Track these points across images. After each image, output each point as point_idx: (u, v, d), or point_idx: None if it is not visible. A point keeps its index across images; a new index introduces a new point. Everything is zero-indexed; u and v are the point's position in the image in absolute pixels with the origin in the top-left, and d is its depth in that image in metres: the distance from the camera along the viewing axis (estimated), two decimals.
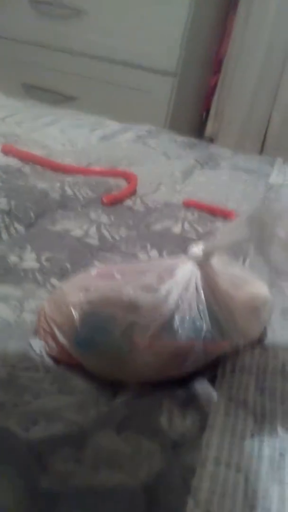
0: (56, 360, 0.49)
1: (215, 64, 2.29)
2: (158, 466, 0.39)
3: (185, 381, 0.48)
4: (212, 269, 0.51)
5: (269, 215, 0.40)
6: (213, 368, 0.50)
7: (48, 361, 0.48)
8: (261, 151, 2.20)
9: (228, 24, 2.23)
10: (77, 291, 0.50)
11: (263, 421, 0.44)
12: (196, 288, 0.49)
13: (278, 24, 2.11)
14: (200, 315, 0.48)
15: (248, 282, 0.54)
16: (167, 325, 0.47)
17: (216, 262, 0.54)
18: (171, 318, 0.47)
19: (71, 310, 0.48)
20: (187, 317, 0.47)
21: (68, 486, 0.36)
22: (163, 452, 0.40)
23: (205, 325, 0.48)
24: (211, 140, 2.20)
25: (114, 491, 0.36)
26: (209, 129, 2.31)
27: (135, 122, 1.48)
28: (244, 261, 0.73)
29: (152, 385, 0.47)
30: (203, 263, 0.50)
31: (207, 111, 2.35)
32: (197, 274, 0.50)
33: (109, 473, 0.37)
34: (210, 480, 0.37)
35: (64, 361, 0.49)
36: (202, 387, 0.47)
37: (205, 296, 0.49)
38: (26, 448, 0.39)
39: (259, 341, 0.55)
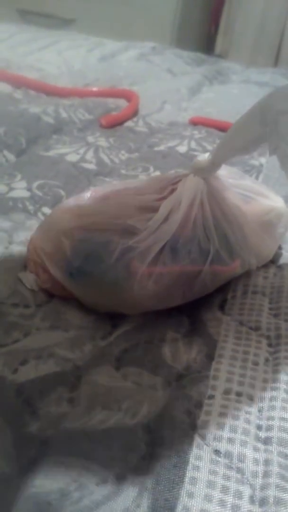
0: (49, 294, 0.44)
1: None
2: (161, 402, 0.35)
3: (191, 307, 0.43)
4: (220, 182, 0.45)
5: (285, 102, 0.33)
6: (223, 291, 0.45)
7: (40, 295, 0.44)
8: (275, 66, 2.06)
9: None
10: (68, 216, 0.45)
11: (278, 344, 0.39)
12: (202, 205, 0.43)
13: None
14: (207, 235, 0.43)
15: (260, 195, 0.48)
16: (169, 248, 0.41)
17: (224, 174, 0.48)
18: (174, 240, 0.42)
19: (61, 237, 0.43)
20: (192, 238, 0.42)
21: (60, 430, 0.32)
22: (166, 386, 0.36)
23: (212, 246, 0.42)
24: (221, 57, 2.06)
25: (111, 432, 0.32)
26: (219, 45, 2.16)
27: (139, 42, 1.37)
28: (258, 175, 0.67)
29: (154, 314, 0.42)
30: (209, 176, 0.44)
31: (216, 26, 2.19)
32: (202, 188, 0.44)
33: (106, 414, 0.33)
34: (219, 413, 0.33)
35: (58, 294, 0.44)
36: (210, 313, 0.42)
37: (212, 213, 0.43)
38: (14, 391, 0.35)
39: (274, 260, 0.49)
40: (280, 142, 0.32)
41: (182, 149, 0.75)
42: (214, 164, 0.42)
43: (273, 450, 0.31)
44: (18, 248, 0.48)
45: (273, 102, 0.33)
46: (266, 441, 0.32)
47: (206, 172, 0.43)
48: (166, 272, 0.41)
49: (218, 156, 0.41)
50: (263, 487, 0.29)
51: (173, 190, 0.44)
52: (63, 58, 1.17)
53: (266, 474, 0.30)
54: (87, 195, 0.47)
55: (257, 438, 0.32)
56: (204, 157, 0.43)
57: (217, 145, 0.41)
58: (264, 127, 0.34)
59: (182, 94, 1.02)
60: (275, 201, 0.48)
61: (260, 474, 0.30)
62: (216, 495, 0.29)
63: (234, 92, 1.07)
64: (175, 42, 1.86)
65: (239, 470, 0.30)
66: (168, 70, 1.17)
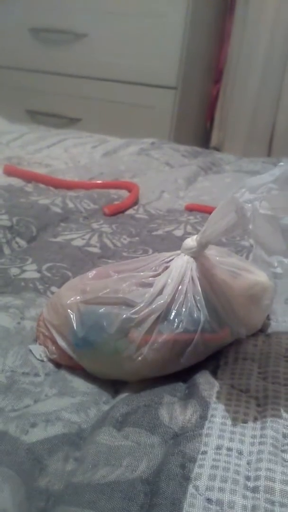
0: (57, 364, 0.49)
1: (216, 73, 2.31)
2: (158, 458, 0.38)
3: (186, 373, 0.47)
4: (208, 260, 0.51)
5: (248, 191, 0.39)
6: (216, 358, 0.49)
7: (49, 365, 0.48)
8: (269, 156, 2.19)
9: (226, 31, 2.25)
10: (74, 292, 0.50)
11: (266, 403, 0.43)
12: (192, 280, 0.49)
13: (277, 26, 2.12)
14: (197, 306, 0.47)
15: (246, 270, 0.53)
16: (164, 318, 0.46)
17: (213, 253, 0.53)
18: (167, 311, 0.47)
19: (67, 311, 0.48)
20: (184, 309, 0.47)
21: (67, 484, 0.36)
22: (163, 444, 0.39)
23: (202, 316, 0.47)
24: (217, 150, 2.20)
25: (112, 485, 0.35)
26: (215, 139, 2.32)
27: (140, 138, 1.50)
28: (248, 254, 0.73)
29: (153, 380, 0.46)
30: (198, 255, 0.50)
31: (211, 121, 2.36)
32: (192, 265, 0.49)
33: (109, 469, 0.37)
34: (210, 467, 0.36)
35: (65, 364, 0.49)
36: (204, 378, 0.46)
37: (201, 287, 0.48)
38: (25, 450, 0.38)
39: (263, 329, 0.54)
40: (248, 226, 0.38)
41: (179, 232, 0.82)
42: (201, 245, 0.48)
43: (260, 497, 0.34)
44: (29, 323, 0.53)
45: (241, 193, 0.40)
46: (254, 489, 0.35)
47: (195, 251, 0.49)
48: (162, 340, 0.46)
49: (203, 238, 0.47)
50: None
51: (166, 268, 0.49)
52: (69, 154, 1.28)
53: None
54: (91, 274, 0.52)
55: (246, 487, 0.35)
56: (192, 238, 0.49)
57: (203, 228, 0.47)
58: (236, 214, 0.40)
59: (179, 184, 1.11)
60: (259, 276, 0.54)
61: None
62: None
63: (227, 181, 1.16)
64: (173, 138, 2.00)
65: None
66: (166, 163, 1.27)
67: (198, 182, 1.16)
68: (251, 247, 0.76)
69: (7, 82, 2.21)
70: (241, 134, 2.26)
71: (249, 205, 0.39)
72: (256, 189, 0.40)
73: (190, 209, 0.94)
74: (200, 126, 2.37)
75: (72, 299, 0.49)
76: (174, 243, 0.76)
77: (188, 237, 0.50)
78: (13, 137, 1.38)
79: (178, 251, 0.51)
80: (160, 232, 0.82)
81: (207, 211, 0.91)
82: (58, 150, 1.31)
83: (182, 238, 0.79)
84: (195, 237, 0.50)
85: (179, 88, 2.04)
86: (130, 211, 0.92)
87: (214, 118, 2.33)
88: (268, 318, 0.56)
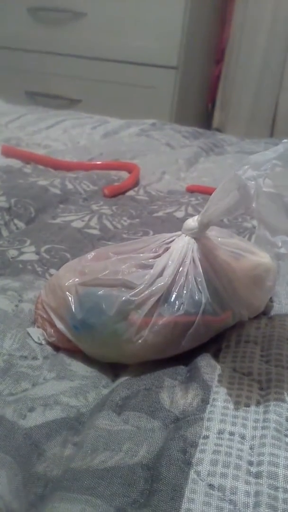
0: (55, 347, 0.48)
1: (217, 53, 2.27)
2: (159, 443, 0.37)
3: (187, 357, 0.46)
4: (210, 241, 0.49)
5: (251, 168, 0.38)
6: (217, 341, 0.48)
7: (47, 348, 0.47)
8: (271, 137, 2.17)
9: (228, 11, 2.20)
10: (72, 274, 0.49)
11: (268, 387, 0.42)
12: (193, 261, 0.47)
13: (279, 5, 2.08)
14: (199, 288, 0.46)
15: (248, 251, 0.52)
16: (164, 300, 0.45)
17: (215, 234, 0.52)
18: (168, 293, 0.46)
19: (66, 293, 0.47)
20: (185, 291, 0.46)
21: (65, 469, 0.35)
22: (163, 429, 0.39)
23: (204, 298, 0.46)
24: (219, 131, 2.17)
25: (112, 470, 0.34)
26: (216, 120, 2.29)
27: (141, 119, 1.47)
28: (250, 235, 0.72)
29: (153, 363, 0.45)
30: (199, 235, 0.48)
31: (213, 102, 2.33)
32: (193, 246, 0.48)
33: (108, 454, 0.36)
34: (212, 451, 0.35)
35: (64, 347, 0.48)
36: (205, 361, 0.45)
37: (203, 269, 0.47)
38: (23, 435, 0.38)
39: (265, 312, 0.53)
40: (251, 204, 0.37)
41: (180, 214, 0.81)
42: (202, 225, 0.47)
43: (263, 483, 0.33)
44: (27, 306, 0.52)
45: (243, 170, 0.38)
46: (257, 475, 0.34)
47: (196, 232, 0.47)
48: (162, 323, 0.44)
49: (205, 218, 0.46)
50: None
51: (167, 249, 0.48)
52: (69, 135, 1.26)
53: (256, 505, 0.32)
54: (90, 255, 0.51)
55: (249, 473, 0.34)
56: (193, 219, 0.48)
57: (204, 208, 0.46)
58: (239, 192, 0.38)
59: (180, 165, 1.09)
60: (262, 257, 0.52)
61: (251, 505, 0.32)
62: None
63: (229, 162, 1.14)
64: (174, 119, 1.97)
65: (232, 502, 0.32)
66: (167, 144, 1.25)
67: (199, 163, 1.14)
68: (253, 228, 0.75)
69: (5, 63, 2.18)
70: (243, 115, 2.23)
71: (252, 182, 0.37)
72: (260, 166, 0.38)
73: (192, 190, 0.92)
74: (201, 107, 2.34)
75: (70, 281, 0.48)
76: (175, 225, 0.75)
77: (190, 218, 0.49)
78: (12, 118, 1.36)
79: (179, 232, 0.50)
80: (160, 213, 0.81)
81: (208, 192, 0.90)
82: (57, 131, 1.29)
83: (183, 220, 0.77)
84: (196, 217, 0.49)
85: (180, 68, 2.01)
86: (130, 193, 0.91)
87: (216, 99, 2.30)
88: (271, 300, 0.55)
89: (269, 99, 2.18)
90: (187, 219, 0.49)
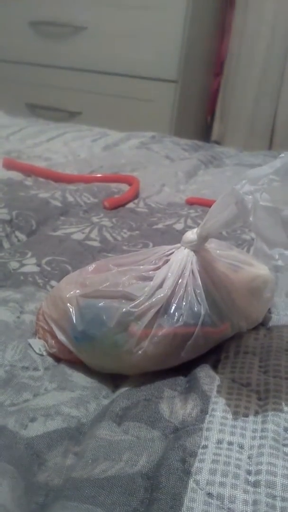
0: (56, 359, 0.48)
1: (216, 66, 2.30)
2: (158, 453, 0.38)
3: (187, 367, 0.47)
4: (208, 253, 0.50)
5: (249, 183, 0.39)
6: (216, 352, 0.49)
7: (48, 359, 0.48)
8: (270, 149, 2.18)
9: (227, 23, 2.23)
10: (73, 286, 0.50)
11: (267, 397, 0.42)
12: (192, 273, 0.48)
13: (278, 18, 2.10)
14: (198, 300, 0.47)
15: (247, 263, 0.53)
16: (163, 312, 0.46)
17: (214, 247, 0.53)
18: (167, 304, 0.46)
19: (67, 305, 0.48)
20: (184, 303, 0.47)
21: (66, 479, 0.35)
22: (163, 439, 0.39)
23: (203, 309, 0.47)
24: (218, 143, 2.19)
25: (112, 480, 0.35)
26: (215, 132, 2.31)
27: (140, 132, 1.49)
28: (249, 247, 0.72)
29: (153, 374, 0.46)
30: (198, 248, 0.49)
31: (212, 115, 2.35)
32: (192, 258, 0.49)
33: (108, 464, 0.36)
34: (211, 461, 0.36)
35: (65, 358, 0.48)
36: (204, 372, 0.45)
37: (202, 280, 0.48)
38: (24, 445, 0.38)
39: (264, 323, 0.54)
40: (248, 218, 0.38)
41: (179, 226, 0.82)
42: (201, 238, 0.48)
43: (261, 491, 0.34)
44: (29, 317, 0.52)
45: (241, 185, 0.39)
46: (255, 484, 0.34)
47: (195, 244, 0.48)
48: (162, 334, 0.45)
49: (204, 231, 0.47)
50: None
51: (166, 261, 0.49)
52: (69, 148, 1.27)
53: None
54: (91, 267, 0.52)
55: (247, 482, 0.35)
56: (193, 231, 0.49)
57: (203, 221, 0.47)
58: (237, 206, 0.39)
59: (179, 178, 1.10)
60: (260, 269, 0.53)
61: None
62: None
63: (228, 174, 1.15)
64: (173, 131, 1.99)
65: (230, 510, 0.33)
66: (167, 157, 1.26)
67: (198, 176, 1.15)
68: (252, 240, 0.76)
69: (6, 75, 2.20)
70: (242, 127, 2.25)
71: (250, 196, 0.38)
72: (257, 180, 0.39)
73: (191, 202, 0.93)
74: (200, 119, 2.36)
75: (71, 292, 0.48)
76: (174, 237, 0.76)
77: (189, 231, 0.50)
78: (13, 130, 1.37)
79: (178, 244, 0.51)
80: (160, 225, 0.82)
81: (208, 204, 0.91)
82: (57, 143, 1.30)
83: (183, 232, 0.78)
84: (195, 230, 0.50)
85: (179, 82, 2.03)
86: (130, 205, 0.92)
87: (215, 111, 2.32)
88: (269, 311, 0.55)
89: (267, 112, 2.20)
90: (187, 231, 0.50)
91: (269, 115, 2.21)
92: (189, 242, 0.49)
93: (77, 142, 1.32)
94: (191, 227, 0.81)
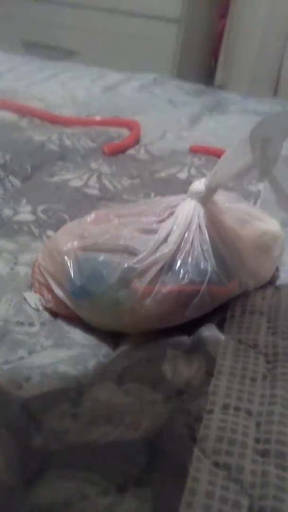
0: (53, 314, 0.46)
1: (221, 7, 2.18)
2: (162, 417, 0.36)
3: (191, 326, 0.44)
4: (216, 206, 0.47)
5: (272, 129, 0.35)
6: (222, 311, 0.46)
7: (44, 314, 0.45)
8: (274, 96, 2.10)
9: None
10: (71, 237, 0.46)
11: (275, 360, 0.40)
12: (199, 227, 0.45)
13: None
14: (204, 256, 0.44)
15: (256, 218, 0.49)
16: (168, 268, 0.43)
17: (221, 199, 0.49)
18: (172, 260, 0.43)
19: (64, 258, 0.45)
20: (190, 259, 0.44)
21: (63, 443, 0.33)
22: (166, 402, 0.37)
23: (210, 266, 0.44)
24: (222, 89, 2.10)
25: (113, 445, 0.33)
26: (219, 77, 2.21)
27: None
28: (256, 200, 0.69)
29: (156, 333, 0.43)
30: (206, 200, 0.46)
31: (216, 59, 2.25)
32: (200, 211, 0.45)
33: (108, 427, 0.34)
34: (217, 427, 0.34)
35: (62, 313, 0.46)
36: (209, 332, 0.43)
37: (209, 235, 0.45)
38: (19, 406, 0.36)
39: (271, 281, 0.51)
40: (268, 167, 0.34)
41: (182, 175, 0.78)
42: (210, 189, 0.44)
43: (271, 462, 0.32)
44: (24, 269, 0.50)
45: (261, 130, 0.35)
46: (264, 453, 0.33)
47: (203, 196, 0.45)
48: (166, 292, 0.42)
49: (213, 181, 0.43)
50: (261, 498, 0.30)
51: (171, 213, 0.45)
52: (66, 88, 1.21)
53: (264, 485, 0.30)
54: (90, 217, 0.49)
55: (255, 451, 0.33)
56: (201, 182, 0.45)
57: (212, 170, 0.43)
58: (254, 154, 0.36)
59: (182, 124, 1.05)
60: (270, 225, 0.50)
61: (258, 485, 0.31)
62: (215, 505, 0.29)
63: (233, 121, 1.10)
64: (175, 74, 1.90)
65: (238, 481, 0.31)
66: (169, 101, 1.21)
67: (202, 122, 1.10)
68: (259, 192, 0.72)
69: (1, 11, 2.08)
70: (246, 73, 2.15)
71: (269, 144, 0.34)
72: (278, 127, 0.35)
73: (195, 150, 0.89)
74: (204, 63, 2.26)
75: (69, 244, 0.45)
76: (177, 187, 0.72)
77: (193, 181, 0.46)
78: (7, 68, 1.30)
79: (184, 195, 0.47)
80: (162, 174, 0.78)
81: (212, 153, 0.86)
82: (55, 84, 1.24)
83: (186, 182, 0.75)
84: (203, 180, 0.46)
85: (183, 21, 1.92)
86: (130, 151, 0.87)
87: (219, 55, 2.22)
88: (277, 269, 0.52)
89: (273, 57, 2.11)
90: (191, 181, 0.46)
91: (274, 61, 2.11)
92: (196, 193, 0.46)
93: (75, 83, 1.25)
94: (195, 177, 0.77)
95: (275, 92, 2.12)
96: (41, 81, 1.24)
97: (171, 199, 0.47)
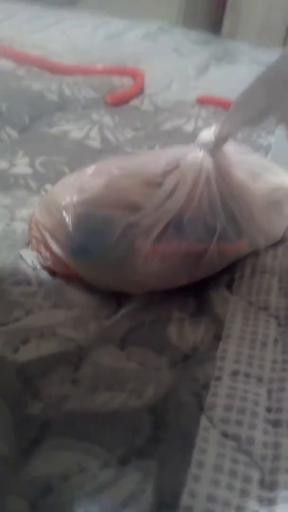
0: (51, 272, 0.43)
1: None
2: (166, 383, 0.33)
3: (198, 287, 0.42)
4: (227, 158, 0.43)
5: None
6: (230, 271, 0.43)
7: (42, 273, 0.43)
8: (283, 46, 2.02)
9: None
10: (70, 191, 0.43)
11: (287, 324, 0.38)
12: (208, 181, 0.42)
13: None
14: (213, 212, 0.41)
15: (268, 172, 0.46)
16: (174, 225, 0.40)
17: (232, 150, 0.46)
18: (179, 217, 0.40)
19: (63, 213, 0.42)
20: (198, 215, 0.40)
21: (62, 411, 0.31)
22: (171, 367, 0.35)
23: (218, 224, 0.41)
24: (229, 37, 2.02)
25: (115, 413, 0.31)
26: (226, 26, 2.12)
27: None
28: (266, 153, 0.65)
29: (160, 293, 0.41)
30: (216, 151, 0.42)
31: (223, 7, 2.15)
32: (208, 163, 0.42)
33: (110, 395, 0.32)
34: (226, 395, 0.32)
35: (60, 272, 0.43)
36: (217, 293, 0.40)
37: (218, 190, 0.42)
38: (15, 371, 0.34)
39: (283, 240, 0.48)
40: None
41: (189, 128, 0.74)
42: (221, 139, 0.41)
43: (283, 433, 0.30)
44: (20, 225, 0.47)
45: (281, 69, 0.32)
46: (276, 423, 0.31)
47: (212, 147, 0.41)
48: (171, 250, 0.40)
49: (224, 130, 0.40)
50: (273, 471, 0.28)
51: (178, 165, 0.42)
52: (67, 36, 1.15)
53: (276, 458, 0.29)
54: (90, 170, 0.45)
55: (267, 421, 0.31)
56: (210, 131, 0.42)
57: (223, 119, 0.39)
58: (270, 97, 0.32)
59: (189, 73, 1.00)
60: (283, 179, 0.47)
61: (269, 458, 0.29)
62: (224, 479, 0.27)
63: (242, 72, 1.04)
64: (181, 22, 1.82)
65: (248, 453, 0.29)
66: (175, 50, 1.15)
67: (210, 72, 1.05)
68: (269, 145, 0.68)
69: None
70: (255, 21, 2.06)
71: None
72: None
73: (202, 101, 0.84)
74: (210, 11, 2.16)
75: (67, 199, 0.42)
76: (183, 139, 0.68)
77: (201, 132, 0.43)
78: (5, 15, 1.24)
79: (192, 146, 0.44)
80: (168, 126, 0.74)
81: (220, 104, 0.82)
82: (54, 31, 1.18)
83: (193, 134, 0.71)
84: (213, 129, 0.43)
85: None
86: (134, 102, 0.83)
87: (226, 3, 2.12)
88: None
89: (283, 7, 2.01)
90: (197, 133, 0.43)
91: (284, 11, 2.02)
92: (205, 143, 0.42)
93: (76, 31, 1.19)
94: (202, 129, 0.73)
95: (284, 42, 2.03)
96: (40, 29, 1.18)
97: (178, 150, 0.44)
